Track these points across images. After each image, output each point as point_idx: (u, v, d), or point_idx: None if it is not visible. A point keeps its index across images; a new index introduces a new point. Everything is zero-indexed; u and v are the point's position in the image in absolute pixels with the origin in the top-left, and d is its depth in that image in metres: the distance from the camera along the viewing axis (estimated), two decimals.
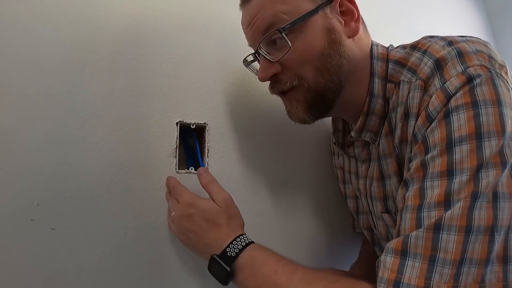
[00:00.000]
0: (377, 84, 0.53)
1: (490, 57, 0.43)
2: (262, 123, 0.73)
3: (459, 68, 0.43)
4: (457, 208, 0.38)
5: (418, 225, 0.40)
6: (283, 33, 0.49)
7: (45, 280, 0.49)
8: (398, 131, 0.50)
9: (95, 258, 0.53)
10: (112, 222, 0.55)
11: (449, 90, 0.42)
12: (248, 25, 0.55)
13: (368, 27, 0.58)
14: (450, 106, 0.42)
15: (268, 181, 0.71)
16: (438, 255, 0.37)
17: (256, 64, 0.63)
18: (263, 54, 0.53)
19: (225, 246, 0.50)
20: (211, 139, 0.66)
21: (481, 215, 0.37)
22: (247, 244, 0.50)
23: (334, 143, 0.71)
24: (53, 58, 0.54)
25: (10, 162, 0.48)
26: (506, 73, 0.43)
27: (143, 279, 0.56)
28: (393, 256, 0.40)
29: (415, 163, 0.44)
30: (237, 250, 0.49)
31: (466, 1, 1.67)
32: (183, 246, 0.58)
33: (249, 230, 0.54)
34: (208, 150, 0.65)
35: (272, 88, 0.57)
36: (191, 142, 0.66)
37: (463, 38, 0.47)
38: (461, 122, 0.41)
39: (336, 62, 0.51)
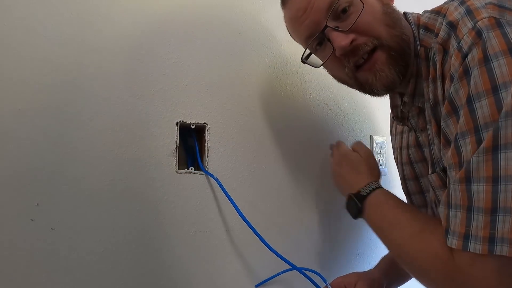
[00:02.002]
0: (418, 46, 0.55)
1: (500, 7, 0.45)
2: (262, 123, 0.73)
3: (470, 25, 0.45)
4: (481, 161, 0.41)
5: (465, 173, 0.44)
6: None
7: (45, 280, 0.49)
8: (430, 94, 0.53)
9: (95, 258, 0.53)
10: (112, 222, 0.55)
11: (464, 50, 0.45)
12: (306, 8, 0.54)
13: None
14: (467, 65, 0.44)
15: (268, 181, 0.71)
16: (473, 204, 0.42)
17: (314, 58, 0.62)
18: (333, 28, 0.53)
19: (360, 187, 0.61)
20: (211, 139, 0.66)
21: (508, 165, 0.39)
22: (376, 188, 0.60)
23: (393, 118, 0.71)
24: (53, 58, 0.54)
25: (10, 162, 0.48)
26: None
27: (143, 279, 0.56)
28: (442, 206, 0.47)
29: (450, 125, 0.47)
30: (368, 191, 0.60)
31: None
32: (184, 246, 0.58)
33: (249, 229, 0.54)
34: (208, 150, 0.65)
35: (354, 56, 0.54)
36: (191, 142, 0.66)
37: None
38: (476, 79, 0.43)
39: (397, 16, 0.55)
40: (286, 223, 0.72)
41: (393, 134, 0.78)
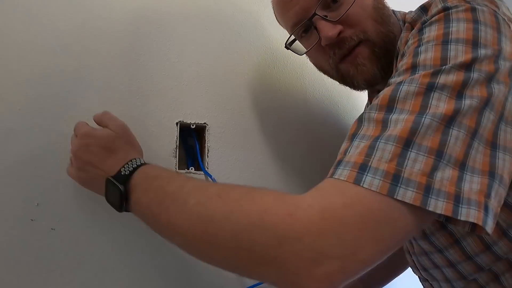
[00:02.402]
0: None
1: None
2: (262, 122, 0.73)
3: (440, 6, 0.44)
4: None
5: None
6: None
7: (45, 280, 0.49)
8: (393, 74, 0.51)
9: (95, 258, 0.53)
10: (112, 222, 0.55)
11: (426, 19, 0.44)
12: None
13: None
14: (424, 26, 0.43)
15: (268, 181, 0.71)
16: (383, 133, 0.34)
17: (298, 45, 0.61)
18: (322, 16, 0.52)
19: (120, 167, 0.46)
20: (211, 139, 0.66)
21: (439, 105, 0.35)
22: (142, 164, 0.46)
23: None
24: (53, 58, 0.54)
25: (10, 162, 0.48)
26: (493, 3, 0.42)
27: (143, 279, 0.56)
28: (345, 142, 0.39)
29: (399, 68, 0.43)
30: (130, 169, 0.45)
31: None
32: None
33: None
34: (208, 150, 0.65)
35: (339, 49, 0.53)
36: (191, 142, 0.66)
37: None
38: (431, 33, 0.41)
39: (386, 12, 0.54)
40: None
41: None
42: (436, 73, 0.36)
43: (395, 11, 0.59)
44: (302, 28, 0.55)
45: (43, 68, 0.53)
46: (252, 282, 0.64)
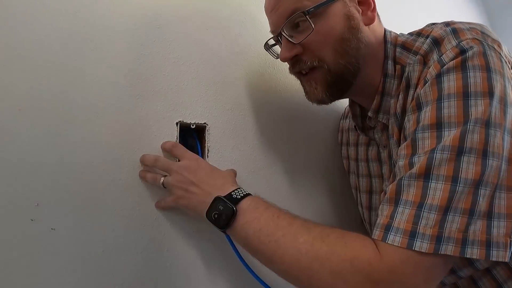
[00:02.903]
0: (391, 65, 0.57)
1: (483, 33, 0.47)
2: (262, 122, 0.73)
3: (454, 42, 0.47)
4: (444, 159, 0.42)
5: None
6: (307, 16, 0.52)
7: (45, 280, 0.49)
8: (400, 101, 0.54)
9: (95, 258, 0.53)
10: (112, 222, 0.55)
11: (444, 61, 0.46)
12: (272, 9, 0.57)
13: None
14: (442, 71, 0.46)
15: (268, 181, 0.71)
16: (426, 201, 0.41)
17: (277, 48, 0.65)
18: (286, 36, 0.55)
19: (230, 191, 0.51)
20: (211, 139, 0.66)
21: (468, 168, 0.41)
22: (248, 194, 0.52)
23: (355, 127, 0.71)
24: (53, 58, 0.53)
25: (10, 162, 0.48)
26: (499, 46, 0.47)
27: (143, 279, 0.56)
28: (387, 204, 0.45)
29: (411, 120, 0.48)
30: (242, 194, 0.51)
31: (466, 1, 1.67)
32: (184, 246, 0.58)
33: None
34: (208, 150, 0.65)
35: (293, 68, 0.60)
36: (191, 142, 0.66)
37: (461, 21, 0.51)
38: (450, 83, 0.44)
39: (354, 46, 0.55)
40: None
41: (342, 143, 0.79)
42: (463, 135, 0.41)
43: (387, 31, 0.59)
44: (275, 37, 0.61)
45: (43, 68, 0.53)
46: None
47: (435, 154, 0.42)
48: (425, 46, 0.51)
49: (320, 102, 0.59)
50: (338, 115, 0.86)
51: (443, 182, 0.41)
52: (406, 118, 0.50)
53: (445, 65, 0.46)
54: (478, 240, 0.39)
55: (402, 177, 0.44)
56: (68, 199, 0.52)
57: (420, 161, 0.43)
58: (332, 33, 0.54)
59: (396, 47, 0.57)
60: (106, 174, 0.55)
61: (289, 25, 0.55)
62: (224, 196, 0.50)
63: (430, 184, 0.41)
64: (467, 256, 0.39)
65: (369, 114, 0.60)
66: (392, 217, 0.43)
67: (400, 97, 0.54)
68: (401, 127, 0.54)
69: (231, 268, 0.64)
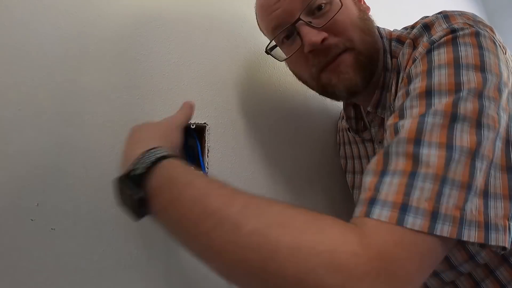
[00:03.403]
0: (389, 59, 0.55)
1: (474, 19, 0.45)
2: (262, 123, 0.73)
3: (444, 26, 0.45)
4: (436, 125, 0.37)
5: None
6: None
7: (45, 280, 0.49)
8: (393, 89, 0.52)
9: (95, 258, 0.52)
10: (113, 222, 0.55)
11: (434, 39, 0.44)
12: None
13: None
14: (432, 47, 0.44)
15: (268, 181, 0.71)
16: (418, 170, 0.35)
17: (278, 51, 0.59)
18: (307, 22, 0.51)
19: (133, 164, 0.36)
20: (211, 139, 0.66)
21: (463, 137, 0.36)
22: (163, 157, 0.36)
23: (348, 129, 0.71)
24: (53, 58, 0.54)
25: (10, 162, 0.48)
26: (491, 30, 0.44)
27: (143, 279, 0.56)
28: (370, 176, 0.38)
29: (400, 97, 0.45)
30: (148, 163, 0.36)
31: (466, 1, 1.67)
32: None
33: None
34: (208, 150, 0.65)
35: (324, 56, 0.51)
36: (191, 142, 0.66)
37: (454, 10, 0.49)
38: (441, 56, 0.42)
39: (372, 25, 0.55)
40: None
41: (340, 143, 0.79)
42: (456, 102, 0.37)
43: (379, 27, 0.58)
44: (284, 33, 0.54)
45: (43, 67, 0.53)
46: None
47: (426, 118, 0.37)
48: (415, 31, 0.50)
49: (354, 88, 0.52)
50: (337, 115, 0.86)
51: (438, 148, 0.35)
52: (396, 98, 0.47)
53: (434, 42, 0.43)
54: (475, 221, 0.34)
55: (388, 145, 0.38)
56: (68, 199, 0.52)
57: (408, 125, 0.38)
58: (352, 13, 0.52)
59: (392, 41, 0.56)
60: (106, 174, 0.55)
61: (306, 11, 0.51)
62: (125, 175, 0.37)
63: (422, 150, 0.35)
64: (464, 239, 0.33)
65: (369, 109, 0.58)
66: (377, 189, 0.35)
67: (393, 85, 0.52)
68: None
69: None
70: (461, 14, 0.46)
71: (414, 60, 0.45)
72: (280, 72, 0.78)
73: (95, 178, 0.54)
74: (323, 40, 0.50)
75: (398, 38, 0.55)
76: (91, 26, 0.57)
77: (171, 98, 0.63)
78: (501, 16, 1.89)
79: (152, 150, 0.37)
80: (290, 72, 0.78)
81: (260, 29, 0.63)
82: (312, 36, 0.50)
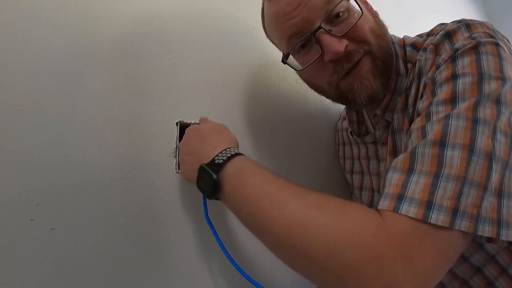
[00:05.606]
0: (401, 64, 0.56)
1: (493, 29, 0.48)
2: (262, 122, 0.73)
3: (466, 35, 0.48)
4: (460, 127, 0.40)
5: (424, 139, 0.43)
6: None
7: (45, 280, 0.49)
8: (412, 91, 0.53)
9: (95, 258, 0.53)
10: (112, 222, 0.55)
11: (457, 47, 0.47)
12: (298, 5, 0.51)
13: None
14: (456, 54, 0.46)
15: None
16: (443, 171, 0.39)
17: (291, 59, 0.59)
18: (327, 31, 0.51)
19: (214, 155, 0.48)
20: None
21: (482, 139, 0.40)
22: (236, 154, 0.48)
23: (350, 132, 0.72)
24: (52, 58, 0.54)
25: (10, 162, 0.48)
26: (508, 41, 0.48)
27: (144, 279, 0.56)
28: (398, 173, 0.41)
29: (425, 101, 0.47)
30: (226, 157, 0.47)
31: (466, 1, 1.67)
32: (184, 246, 0.58)
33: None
34: None
35: (347, 62, 0.52)
36: None
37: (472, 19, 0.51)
38: (465, 64, 0.45)
39: (386, 30, 0.56)
40: None
41: (340, 144, 0.80)
42: (476, 107, 0.41)
43: (389, 33, 0.59)
44: (301, 41, 0.53)
45: (43, 68, 0.53)
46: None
47: (450, 120, 0.41)
48: (437, 37, 0.51)
49: (374, 94, 0.53)
50: (337, 116, 0.86)
51: (460, 150, 0.39)
52: (420, 101, 0.49)
53: (458, 50, 0.46)
54: (489, 218, 0.38)
55: (416, 146, 0.42)
56: (68, 199, 0.52)
57: (434, 128, 0.42)
58: (368, 17, 0.54)
59: (406, 47, 0.57)
60: (106, 174, 0.55)
61: (325, 19, 0.51)
62: (207, 164, 0.47)
63: (447, 152, 0.39)
64: (479, 234, 0.37)
65: (377, 112, 0.59)
66: (404, 186, 0.39)
67: (413, 88, 0.53)
68: (413, 119, 0.52)
69: (231, 268, 0.63)
70: (481, 23, 0.49)
71: (438, 67, 0.47)
72: (280, 72, 0.78)
73: (95, 178, 0.54)
74: (345, 47, 0.51)
75: (414, 45, 0.56)
76: (91, 26, 0.57)
77: (171, 98, 0.63)
78: (501, 16, 1.89)
79: (228, 149, 0.49)
80: (290, 72, 0.78)
81: (268, 36, 0.62)
82: (336, 45, 0.50)
